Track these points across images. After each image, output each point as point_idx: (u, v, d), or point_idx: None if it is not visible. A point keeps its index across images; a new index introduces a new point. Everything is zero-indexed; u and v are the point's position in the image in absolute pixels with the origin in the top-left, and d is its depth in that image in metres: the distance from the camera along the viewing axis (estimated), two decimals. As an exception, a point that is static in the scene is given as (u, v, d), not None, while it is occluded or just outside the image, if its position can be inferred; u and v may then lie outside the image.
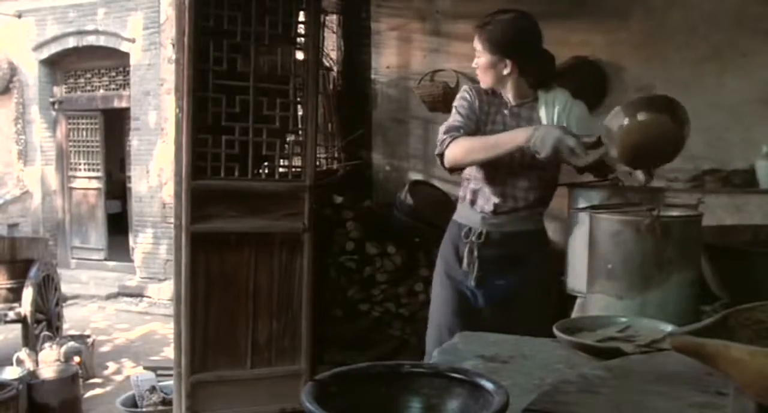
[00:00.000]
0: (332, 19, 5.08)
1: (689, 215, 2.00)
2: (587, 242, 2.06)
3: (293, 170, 3.89)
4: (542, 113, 2.53)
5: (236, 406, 3.58)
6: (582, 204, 2.92)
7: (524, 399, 1.26)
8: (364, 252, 4.36)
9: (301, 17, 3.97)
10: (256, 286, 3.64)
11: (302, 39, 3.90)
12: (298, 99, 3.86)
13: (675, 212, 2.03)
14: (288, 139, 3.92)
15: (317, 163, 4.12)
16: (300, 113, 3.93)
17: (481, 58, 2.49)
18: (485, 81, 2.53)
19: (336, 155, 5.10)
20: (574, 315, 2.56)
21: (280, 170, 3.87)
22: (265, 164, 3.93)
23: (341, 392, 1.26)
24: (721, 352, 0.82)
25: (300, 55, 3.95)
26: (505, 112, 2.57)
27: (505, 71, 2.45)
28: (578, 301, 2.72)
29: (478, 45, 2.49)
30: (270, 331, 3.70)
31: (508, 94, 2.56)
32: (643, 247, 1.85)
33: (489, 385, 1.21)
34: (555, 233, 4.56)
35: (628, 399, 1.16)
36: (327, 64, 4.87)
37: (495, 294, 2.62)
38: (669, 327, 1.58)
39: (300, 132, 3.91)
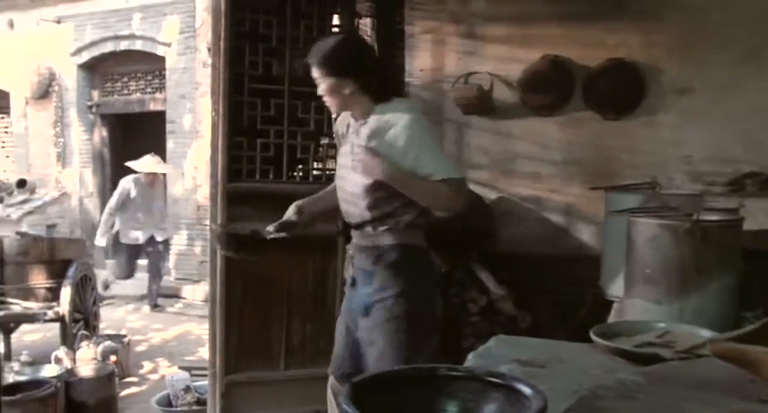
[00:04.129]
0: (366, 23, 5.08)
1: (729, 219, 1.98)
2: (624, 247, 2.04)
3: (327, 172, 3.91)
4: (364, 131, 2.54)
5: (270, 408, 3.60)
6: (619, 208, 2.90)
7: (561, 405, 1.25)
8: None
9: (336, 21, 4.00)
10: (290, 288, 3.66)
11: (337, 43, 3.91)
12: (333, 102, 3.87)
13: (714, 217, 2.00)
14: (322, 142, 3.94)
15: (352, 166, 4.13)
16: (334, 115, 3.95)
17: (321, 85, 2.53)
18: (333, 105, 2.59)
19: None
20: (611, 319, 2.54)
21: (314, 172, 3.89)
22: (299, 166, 3.95)
23: (378, 394, 1.26)
24: (763, 359, 0.81)
25: (335, 59, 3.96)
26: (351, 130, 2.64)
27: (347, 91, 2.49)
28: (615, 306, 2.70)
29: (315, 73, 2.53)
30: (304, 333, 3.72)
31: (356, 114, 2.60)
32: (682, 252, 1.83)
33: (526, 389, 1.21)
34: (590, 236, 4.55)
35: (667, 406, 1.15)
36: (361, 68, 4.88)
37: (355, 303, 2.64)
38: (708, 333, 1.56)
39: (334, 135, 3.93)
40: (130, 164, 7.52)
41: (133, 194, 7.47)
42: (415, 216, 2.52)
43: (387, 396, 1.26)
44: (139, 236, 7.65)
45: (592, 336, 1.65)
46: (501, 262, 4.45)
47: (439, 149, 2.49)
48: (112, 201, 7.61)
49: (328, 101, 2.58)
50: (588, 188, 4.38)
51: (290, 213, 2.75)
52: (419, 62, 5.13)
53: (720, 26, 4.24)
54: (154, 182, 7.59)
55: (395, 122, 2.42)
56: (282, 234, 2.70)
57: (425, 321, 2.53)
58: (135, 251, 7.78)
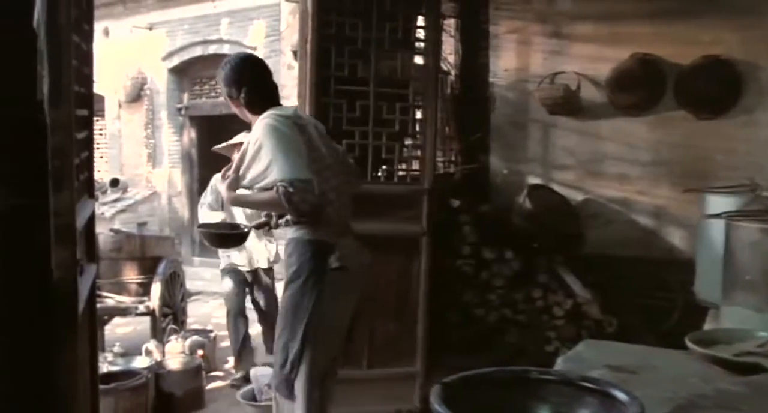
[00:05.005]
0: (450, 23, 5.07)
1: (837, 223, 1.88)
2: (720, 251, 1.97)
3: (411, 173, 3.92)
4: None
5: (352, 405, 3.63)
6: (715, 211, 2.80)
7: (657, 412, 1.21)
8: (481, 257, 4.32)
9: (421, 22, 4.00)
10: (374, 288, 3.68)
11: (421, 44, 3.92)
12: (417, 103, 3.88)
13: (821, 221, 1.90)
14: (406, 143, 3.94)
15: (435, 167, 4.13)
16: (418, 116, 3.96)
17: (223, 96, 2.93)
18: (237, 112, 2.95)
19: (453, 158, 5.08)
20: (706, 326, 2.44)
21: (399, 173, 3.90)
22: (383, 167, 3.97)
23: (468, 395, 1.26)
24: None
25: (419, 60, 3.97)
26: None
27: (234, 105, 2.87)
28: (710, 312, 2.61)
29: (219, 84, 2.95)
30: (387, 333, 3.73)
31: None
32: (786, 257, 1.75)
33: (622, 396, 1.18)
34: (681, 240, 4.41)
35: (775, 418, 1.10)
36: (445, 68, 4.87)
37: None
38: (816, 343, 1.48)
39: (418, 136, 3.94)
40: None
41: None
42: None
43: (477, 396, 1.25)
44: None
45: (688, 344, 1.59)
46: (587, 265, 4.37)
47: (282, 152, 2.56)
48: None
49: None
50: (682, 190, 4.23)
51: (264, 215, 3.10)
52: (504, 62, 5.09)
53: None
54: None
55: (252, 134, 2.71)
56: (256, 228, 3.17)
57: (299, 315, 2.66)
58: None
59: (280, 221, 2.82)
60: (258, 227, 3.13)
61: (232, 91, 2.83)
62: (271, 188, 2.55)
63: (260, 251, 4.87)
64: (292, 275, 2.67)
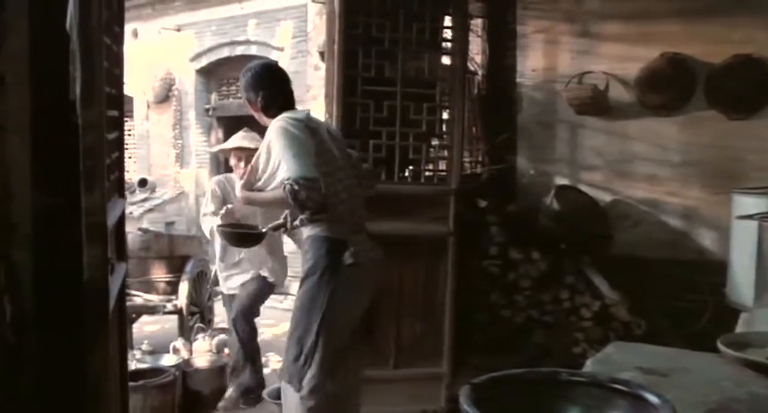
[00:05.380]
0: (477, 23, 5.05)
1: None
2: (753, 253, 1.94)
3: (438, 173, 3.91)
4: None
5: (378, 405, 3.62)
6: (748, 212, 2.76)
7: (691, 416, 1.20)
8: (508, 257, 4.30)
9: (448, 22, 3.99)
10: (400, 288, 3.69)
11: (448, 44, 3.91)
12: (444, 103, 3.88)
13: None
14: (433, 143, 3.94)
15: (462, 167, 4.12)
16: (445, 117, 3.95)
17: (243, 100, 3.09)
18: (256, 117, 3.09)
19: (480, 159, 5.07)
20: (738, 329, 2.41)
21: (426, 173, 3.90)
22: (410, 167, 3.97)
23: (497, 396, 1.25)
24: None
25: (446, 60, 3.97)
26: None
27: (253, 109, 3.03)
28: (742, 315, 2.56)
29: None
30: (413, 333, 3.74)
31: None
32: (821, 259, 1.72)
33: (653, 398, 1.17)
34: (712, 241, 4.36)
35: (811, 422, 1.08)
36: (472, 69, 4.86)
37: None
38: None
39: (445, 136, 3.93)
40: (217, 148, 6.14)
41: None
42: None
43: (506, 397, 1.25)
44: None
45: (720, 346, 1.57)
46: (615, 266, 4.33)
47: (290, 152, 2.65)
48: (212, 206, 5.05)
49: None
50: (713, 191, 4.18)
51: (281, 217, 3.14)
52: (531, 62, 5.06)
53: None
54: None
55: (265, 137, 2.82)
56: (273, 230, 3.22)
57: (313, 314, 2.74)
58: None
59: (295, 222, 2.87)
60: (275, 229, 3.19)
61: (250, 95, 3.00)
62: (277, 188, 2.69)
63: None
64: (308, 270, 2.76)
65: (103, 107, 1.63)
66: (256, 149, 3.34)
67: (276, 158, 2.71)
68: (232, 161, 4.27)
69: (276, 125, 2.77)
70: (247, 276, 4.38)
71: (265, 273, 4.38)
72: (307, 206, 2.63)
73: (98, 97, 1.59)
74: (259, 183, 2.85)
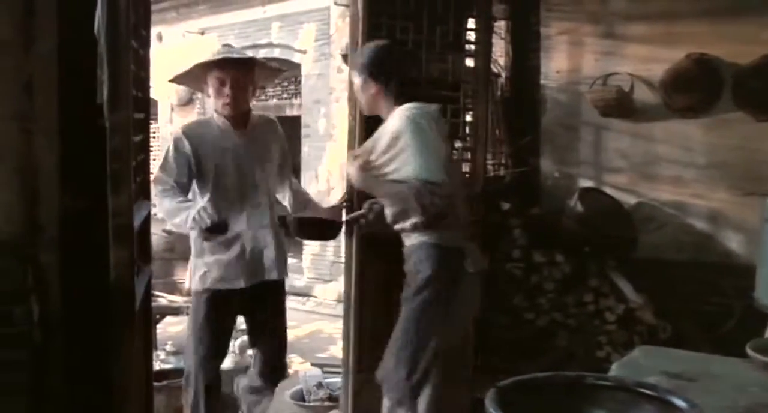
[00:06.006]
0: (500, 25, 5.04)
1: None
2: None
3: (462, 176, 3.90)
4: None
5: (400, 407, 3.63)
6: (776, 215, 2.72)
7: (719, 421, 1.19)
8: (531, 260, 4.28)
9: (471, 24, 3.99)
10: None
11: (472, 46, 3.91)
12: (468, 106, 3.87)
13: None
14: (457, 145, 3.93)
15: (485, 169, 4.10)
16: (469, 119, 3.95)
17: (354, 84, 2.86)
18: (362, 104, 2.91)
19: (504, 161, 5.05)
20: None
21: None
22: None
23: (523, 400, 1.24)
24: None
25: (470, 62, 3.96)
26: None
27: (372, 91, 2.76)
28: (772, 319, 2.53)
29: (350, 72, 2.91)
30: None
31: (382, 115, 2.79)
32: None
33: (681, 403, 1.15)
34: (740, 244, 4.30)
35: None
36: (495, 71, 4.84)
37: None
38: None
39: (469, 138, 3.92)
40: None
41: None
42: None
43: (532, 401, 1.24)
44: None
45: (749, 352, 1.55)
46: (640, 269, 4.29)
47: (420, 149, 2.51)
48: None
49: (359, 100, 2.87)
50: (742, 193, 4.13)
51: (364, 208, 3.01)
52: (555, 64, 5.03)
53: None
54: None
55: (389, 122, 2.63)
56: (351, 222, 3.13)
57: (435, 325, 2.60)
58: None
59: (405, 224, 2.63)
60: (353, 220, 3.06)
61: (373, 76, 2.74)
62: (401, 183, 2.53)
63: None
64: (423, 281, 2.57)
65: (131, 110, 1.65)
66: (246, 66, 3.09)
67: (402, 150, 2.54)
68: (210, 88, 3.12)
69: (405, 114, 2.59)
70: None
71: None
72: (429, 211, 2.47)
73: (125, 101, 1.60)
74: (374, 171, 2.65)
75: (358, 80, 2.80)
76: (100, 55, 1.47)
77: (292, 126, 10.08)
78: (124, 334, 1.62)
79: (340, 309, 4.02)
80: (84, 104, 1.53)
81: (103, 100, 1.49)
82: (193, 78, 3.30)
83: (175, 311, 5.46)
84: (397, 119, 2.60)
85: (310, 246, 9.03)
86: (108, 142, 1.54)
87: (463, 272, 2.60)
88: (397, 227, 2.68)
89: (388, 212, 2.71)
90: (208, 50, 9.23)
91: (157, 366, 4.27)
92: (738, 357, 1.68)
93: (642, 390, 1.18)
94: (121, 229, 1.59)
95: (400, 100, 2.70)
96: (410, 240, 2.65)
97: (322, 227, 3.22)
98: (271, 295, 3.34)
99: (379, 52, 2.78)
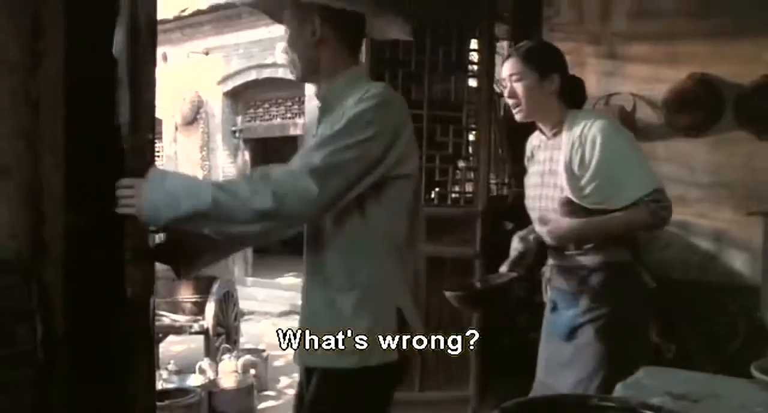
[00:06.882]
0: (503, 46, 5.06)
1: None
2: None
3: (465, 195, 3.91)
4: (557, 152, 2.34)
5: (404, 428, 3.61)
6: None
7: (725, 442, 1.18)
8: (535, 280, 4.26)
9: (474, 45, 4.01)
10: (428, 310, 3.67)
11: (475, 66, 3.93)
12: (471, 125, 3.89)
13: None
14: (460, 165, 3.95)
15: (488, 189, 4.11)
16: (472, 138, 3.96)
17: (520, 83, 2.30)
18: (523, 108, 2.33)
19: (507, 180, 5.05)
20: (773, 354, 2.36)
21: (452, 195, 3.89)
22: (437, 189, 3.97)
23: (527, 421, 1.24)
24: None
25: (473, 82, 3.98)
26: (541, 149, 2.50)
27: (550, 90, 2.30)
28: (777, 339, 2.52)
29: (514, 69, 2.31)
30: (439, 355, 3.71)
31: (545, 122, 2.40)
32: None
33: (686, 424, 1.15)
34: (744, 264, 4.29)
35: None
36: (498, 91, 4.86)
37: (557, 327, 2.53)
38: None
39: (472, 158, 3.93)
40: None
41: None
42: None
43: (536, 422, 1.23)
44: None
45: (754, 372, 1.54)
46: (644, 289, 4.27)
47: (633, 161, 2.21)
48: None
49: (518, 104, 2.33)
50: (746, 212, 4.12)
51: (516, 246, 2.66)
52: (557, 84, 5.04)
53: None
54: None
55: (589, 136, 2.19)
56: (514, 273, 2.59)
57: (634, 351, 2.25)
58: None
59: (583, 259, 2.30)
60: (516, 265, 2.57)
61: (550, 75, 2.29)
62: (627, 207, 2.18)
63: None
64: (626, 304, 2.29)
65: (150, 132, 1.66)
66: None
67: (619, 168, 2.18)
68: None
69: (603, 124, 2.20)
70: None
71: None
72: (665, 224, 2.20)
73: (144, 123, 1.62)
74: (585, 202, 2.22)
75: (530, 77, 2.29)
76: (119, 78, 1.49)
77: (296, 146, 10.13)
78: (138, 354, 1.62)
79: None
80: (91, 124, 1.54)
81: (123, 122, 1.51)
82: None
83: (178, 330, 5.44)
84: (602, 134, 2.18)
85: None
86: (127, 163, 1.55)
87: (652, 287, 2.37)
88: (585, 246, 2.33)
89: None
90: (212, 70, 9.25)
91: (159, 385, 4.25)
92: (743, 378, 1.66)
93: (646, 411, 1.17)
94: (137, 248, 1.60)
95: (564, 103, 2.35)
96: (588, 259, 2.34)
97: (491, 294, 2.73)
98: None
99: (553, 51, 2.41)
